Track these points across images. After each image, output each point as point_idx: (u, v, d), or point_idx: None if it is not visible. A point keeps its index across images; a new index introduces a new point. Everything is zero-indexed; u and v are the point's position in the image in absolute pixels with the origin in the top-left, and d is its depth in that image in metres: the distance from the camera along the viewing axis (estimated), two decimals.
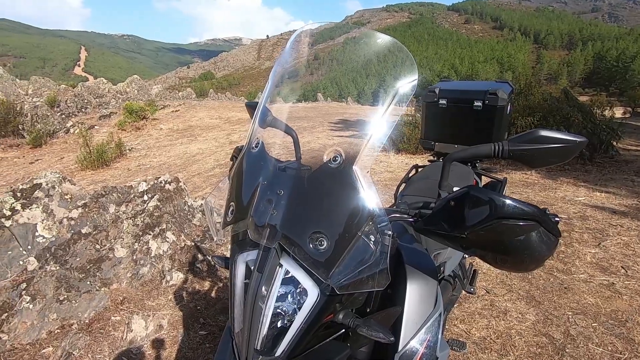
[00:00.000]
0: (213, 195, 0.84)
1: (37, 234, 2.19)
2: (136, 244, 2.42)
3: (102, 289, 2.13)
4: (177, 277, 2.37)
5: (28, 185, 2.31)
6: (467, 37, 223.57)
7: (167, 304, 2.15)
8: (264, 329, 0.63)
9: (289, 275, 0.65)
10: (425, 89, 1.86)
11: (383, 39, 0.74)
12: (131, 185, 2.84)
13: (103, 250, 2.29)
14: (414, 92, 0.67)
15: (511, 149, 0.69)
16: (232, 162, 1.08)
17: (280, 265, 0.64)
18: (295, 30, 0.86)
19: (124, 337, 1.82)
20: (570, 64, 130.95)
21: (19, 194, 2.25)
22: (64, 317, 1.91)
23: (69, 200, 2.43)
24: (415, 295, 0.81)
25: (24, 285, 1.92)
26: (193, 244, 2.65)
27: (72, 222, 2.33)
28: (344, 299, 0.66)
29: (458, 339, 1.55)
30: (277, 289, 0.63)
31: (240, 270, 0.70)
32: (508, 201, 0.63)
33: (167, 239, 2.55)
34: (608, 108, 5.97)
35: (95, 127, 12.84)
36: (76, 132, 11.90)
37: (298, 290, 0.65)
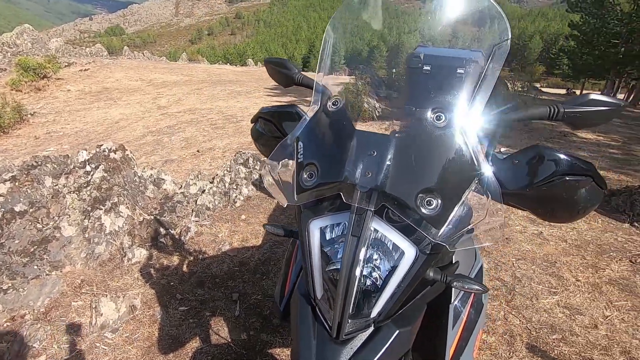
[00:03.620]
0: (273, 159, 0.76)
1: None
2: (86, 220, 2.13)
3: (54, 273, 1.86)
4: (140, 253, 2.17)
5: None
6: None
7: (135, 282, 1.97)
8: (357, 293, 0.61)
9: (376, 236, 0.64)
10: (409, 54, 1.87)
11: None
12: (67, 155, 2.45)
13: (46, 229, 1.98)
14: (507, 52, 0.67)
15: (567, 111, 0.74)
16: (253, 125, 0.99)
17: (371, 228, 0.62)
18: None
19: (94, 322, 1.63)
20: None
21: None
22: (12, 308, 1.63)
23: None
24: (462, 251, 0.86)
25: None
26: (152, 217, 2.43)
27: (1, 199, 1.95)
28: (438, 258, 0.67)
29: None
30: (368, 251, 0.62)
31: (316, 236, 0.67)
32: (567, 157, 0.68)
33: (121, 214, 2.29)
34: (526, 83, 6.74)
35: None
36: None
37: (385, 251, 0.64)
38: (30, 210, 2.00)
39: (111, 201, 2.30)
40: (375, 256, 0.65)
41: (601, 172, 4.35)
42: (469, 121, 0.64)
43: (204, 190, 2.92)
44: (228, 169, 3.22)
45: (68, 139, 6.99)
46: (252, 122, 0.98)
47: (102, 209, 2.22)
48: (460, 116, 0.64)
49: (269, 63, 0.98)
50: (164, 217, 2.50)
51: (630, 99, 19.46)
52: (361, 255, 0.60)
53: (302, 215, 0.70)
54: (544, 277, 2.27)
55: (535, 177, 0.68)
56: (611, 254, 2.55)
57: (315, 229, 0.67)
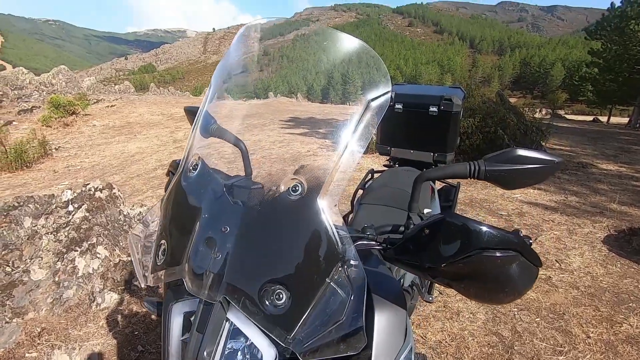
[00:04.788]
0: (139, 227, 0.68)
1: None
2: (59, 262, 2.09)
3: (14, 321, 1.80)
4: (111, 298, 2.10)
5: None
6: (411, 39, 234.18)
7: (98, 331, 1.88)
8: None
9: (237, 330, 0.53)
10: None
11: (349, 41, 0.64)
12: (53, 194, 2.47)
13: (15, 273, 1.95)
14: (387, 107, 0.57)
15: (488, 169, 0.63)
16: (168, 179, 0.92)
17: (227, 320, 0.51)
18: (243, 25, 0.74)
19: None
20: (500, 68, 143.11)
21: None
22: None
23: None
24: (384, 328, 0.72)
25: None
26: (130, 259, 2.37)
27: None
28: None
29: (418, 352, 1.52)
30: (222, 349, 0.51)
31: (177, 324, 0.56)
32: (487, 229, 0.56)
33: (97, 255, 2.25)
34: (538, 110, 6.52)
35: (14, 122, 11.39)
36: None
37: (249, 343, 0.53)
38: (3, 252, 1.99)
39: (89, 242, 2.26)
40: (235, 350, 0.53)
41: (622, 208, 4.03)
42: (331, 193, 0.53)
43: None
44: None
45: (84, 172, 7.25)
46: (167, 175, 0.91)
47: (77, 251, 2.18)
48: (318, 185, 0.53)
49: (187, 112, 0.93)
50: (145, 257, 2.44)
51: None
52: (205, 356, 0.49)
53: (165, 296, 0.60)
54: (549, 333, 2.01)
55: (449, 251, 0.57)
56: (630, 304, 2.26)
57: (177, 314, 0.57)
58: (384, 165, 1.97)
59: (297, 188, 0.53)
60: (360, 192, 1.72)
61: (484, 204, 3.90)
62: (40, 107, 13.33)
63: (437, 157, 1.76)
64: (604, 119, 27.62)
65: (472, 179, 0.65)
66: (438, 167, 0.68)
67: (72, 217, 2.33)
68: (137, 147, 9.23)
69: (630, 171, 5.53)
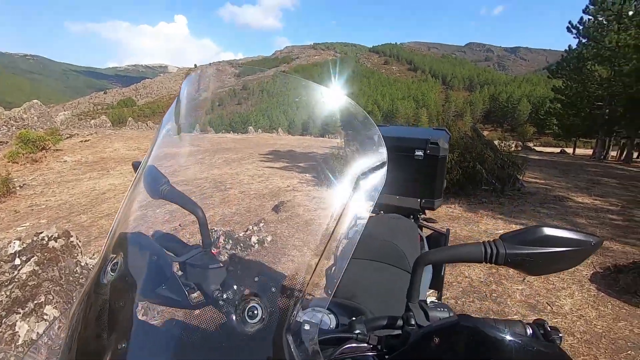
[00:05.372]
0: (37, 349, 0.50)
1: None
2: None
3: None
4: None
5: None
6: (387, 76, 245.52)
7: None
8: None
9: None
10: None
11: (333, 97, 0.52)
12: None
13: None
14: (383, 184, 0.44)
15: (509, 253, 0.50)
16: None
17: None
18: (189, 76, 0.62)
19: None
20: (472, 103, 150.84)
21: None
22: None
23: None
24: None
25: None
26: None
27: None
28: None
29: None
30: None
31: None
32: (512, 338, 0.43)
33: (44, 317, 1.96)
34: (513, 145, 6.71)
35: None
36: None
37: None
38: None
39: (35, 301, 1.98)
40: None
41: (604, 243, 4.04)
42: (306, 318, 0.39)
43: None
44: None
45: (49, 212, 6.78)
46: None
47: (20, 313, 1.90)
48: (286, 307, 0.39)
49: (136, 168, 0.79)
50: None
51: (623, 157, 19.69)
52: None
53: None
54: None
55: None
56: (629, 352, 2.14)
57: None
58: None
59: (255, 311, 0.38)
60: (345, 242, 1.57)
61: (469, 241, 3.81)
62: (8, 142, 12.77)
63: (424, 204, 1.65)
64: (569, 150, 29.19)
65: (490, 264, 0.52)
66: (443, 247, 0.55)
67: (18, 273, 2.05)
68: (109, 184, 8.82)
69: (605, 204, 5.65)
